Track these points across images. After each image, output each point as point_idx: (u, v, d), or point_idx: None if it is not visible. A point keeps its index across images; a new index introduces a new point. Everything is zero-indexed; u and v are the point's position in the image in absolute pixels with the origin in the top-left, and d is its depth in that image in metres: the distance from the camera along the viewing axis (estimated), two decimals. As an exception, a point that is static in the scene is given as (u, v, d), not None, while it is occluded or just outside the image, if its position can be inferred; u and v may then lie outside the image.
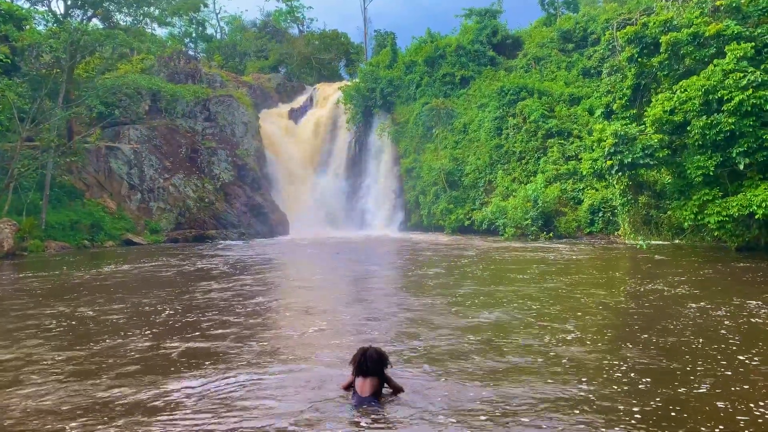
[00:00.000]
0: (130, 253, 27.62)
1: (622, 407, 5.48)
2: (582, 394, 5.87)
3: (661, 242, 25.63)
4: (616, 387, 6.07)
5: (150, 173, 38.68)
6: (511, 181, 37.91)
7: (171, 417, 5.35)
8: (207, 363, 7.24)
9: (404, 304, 11.57)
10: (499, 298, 11.96)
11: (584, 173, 30.41)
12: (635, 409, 5.44)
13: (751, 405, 5.56)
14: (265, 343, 8.30)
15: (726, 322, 9.17)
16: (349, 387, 5.84)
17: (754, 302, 10.92)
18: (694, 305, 10.71)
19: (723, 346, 7.70)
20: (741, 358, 7.15)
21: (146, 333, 9.12)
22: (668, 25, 26.59)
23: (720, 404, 5.59)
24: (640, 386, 6.08)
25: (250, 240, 37.49)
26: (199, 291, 13.78)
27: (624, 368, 6.75)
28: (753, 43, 22.18)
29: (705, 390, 5.97)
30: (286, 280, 17.05)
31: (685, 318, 9.56)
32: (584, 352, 7.53)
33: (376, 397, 5.57)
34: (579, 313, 10.15)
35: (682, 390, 6.00)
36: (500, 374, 6.59)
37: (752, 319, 9.41)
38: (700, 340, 8.04)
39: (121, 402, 5.82)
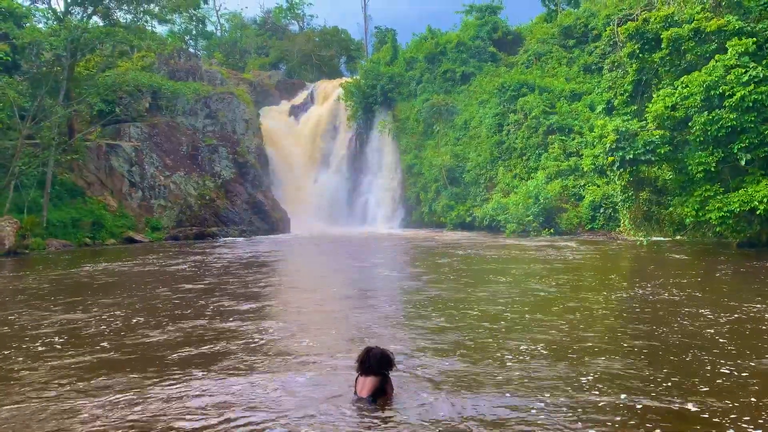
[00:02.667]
0: (126, 251, 27.63)
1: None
2: (534, 410, 5.28)
3: (662, 238, 25.60)
4: (578, 403, 5.40)
5: (151, 171, 38.67)
6: (512, 177, 37.87)
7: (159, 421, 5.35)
8: (187, 368, 7.23)
9: (360, 309, 10.83)
10: (469, 302, 10.99)
11: (585, 169, 30.41)
12: (590, 431, 4.87)
13: (740, 424, 4.96)
14: (215, 347, 8.24)
15: (720, 328, 8.43)
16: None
17: (756, 306, 10.05)
18: (688, 309, 9.90)
19: (714, 356, 6.99)
20: (734, 369, 6.44)
21: (69, 341, 8.47)
22: (669, 20, 26.53)
23: (705, 419, 5.05)
24: (601, 402, 5.42)
25: (251, 237, 37.50)
26: (168, 291, 13.45)
27: (590, 380, 6.12)
28: (754, 39, 22.13)
29: (692, 407, 5.31)
30: (257, 282, 15.83)
31: (677, 324, 8.78)
32: (550, 364, 6.78)
33: (375, 397, 5.51)
34: (556, 320, 9.24)
35: (656, 403, 5.36)
36: (448, 386, 5.98)
37: (754, 325, 8.63)
38: (692, 348, 7.35)
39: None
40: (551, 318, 9.48)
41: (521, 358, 7.08)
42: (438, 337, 8.30)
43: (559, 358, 7.08)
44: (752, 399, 5.57)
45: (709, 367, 6.58)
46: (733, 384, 6.01)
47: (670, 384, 6.00)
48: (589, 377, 6.26)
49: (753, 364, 6.72)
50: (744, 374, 6.31)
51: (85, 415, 5.39)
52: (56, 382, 6.44)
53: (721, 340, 7.78)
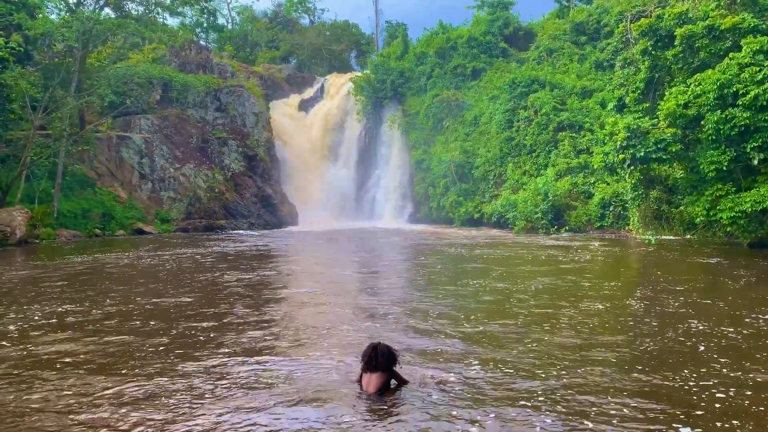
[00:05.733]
0: (134, 242, 27.79)
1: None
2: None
3: (672, 237, 25.41)
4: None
5: (161, 163, 38.85)
6: (521, 174, 37.71)
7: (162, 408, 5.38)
8: (196, 354, 7.26)
9: (309, 311, 10.22)
10: (425, 307, 9.98)
11: (595, 167, 30.21)
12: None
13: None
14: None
15: (723, 341, 7.37)
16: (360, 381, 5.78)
17: (766, 316, 8.91)
18: (691, 320, 8.67)
19: (712, 375, 6.02)
20: (734, 392, 5.55)
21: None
22: (683, 17, 26.26)
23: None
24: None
25: (259, 230, 37.61)
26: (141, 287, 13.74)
27: (541, 401, 5.30)
28: (770, 37, 21.85)
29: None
30: (244, 275, 15.97)
31: (670, 337, 7.68)
32: (491, 382, 5.89)
33: (382, 393, 5.52)
34: (518, 328, 8.18)
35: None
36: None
37: (764, 340, 7.50)
38: (686, 366, 6.37)
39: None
40: (511, 328, 8.33)
41: (463, 372, 6.21)
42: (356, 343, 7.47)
43: (506, 374, 6.09)
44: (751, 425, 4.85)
45: (702, 391, 5.60)
46: (732, 408, 5.18)
47: (649, 409, 5.11)
48: (540, 398, 5.35)
49: (758, 379, 5.90)
50: (748, 392, 5.56)
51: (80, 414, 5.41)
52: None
53: (721, 359, 6.71)
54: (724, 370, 6.26)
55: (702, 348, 7.20)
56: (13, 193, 29.09)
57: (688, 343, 7.42)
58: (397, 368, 5.72)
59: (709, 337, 7.72)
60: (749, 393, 5.56)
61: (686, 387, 5.74)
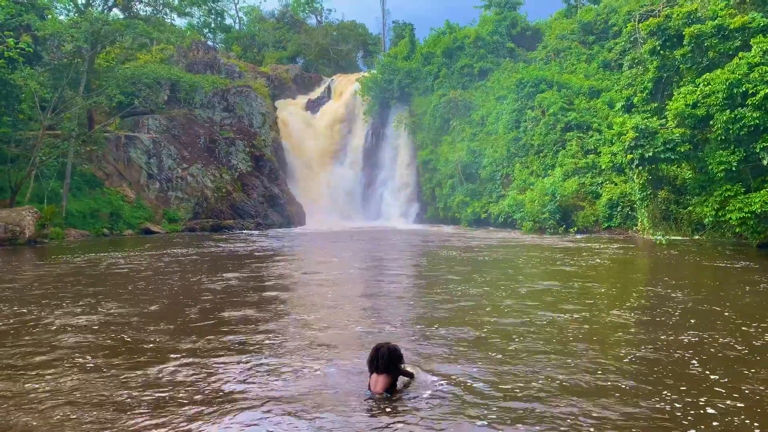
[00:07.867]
0: (133, 242, 27.91)
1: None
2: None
3: (680, 238, 25.23)
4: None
5: (168, 163, 39.01)
6: (528, 174, 37.62)
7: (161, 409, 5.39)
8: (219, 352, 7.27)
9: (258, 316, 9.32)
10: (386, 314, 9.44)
11: (603, 167, 30.11)
12: None
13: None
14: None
15: (722, 353, 6.75)
16: None
17: None
18: (691, 331, 7.88)
19: (704, 391, 5.43)
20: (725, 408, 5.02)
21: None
22: (692, 17, 26.15)
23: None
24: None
25: (266, 230, 37.70)
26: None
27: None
28: (780, 36, 21.72)
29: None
30: (229, 277, 16.62)
31: (660, 348, 7.02)
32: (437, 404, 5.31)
33: (389, 393, 5.55)
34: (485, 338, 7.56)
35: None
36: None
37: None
38: (673, 382, 5.69)
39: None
40: (509, 333, 7.84)
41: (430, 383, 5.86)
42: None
43: (477, 386, 5.71)
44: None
45: (691, 408, 5.05)
46: (724, 428, 4.69)
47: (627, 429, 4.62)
48: (506, 415, 4.92)
49: (754, 395, 5.37)
50: (740, 405, 5.15)
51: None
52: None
53: (712, 375, 6.02)
54: (717, 388, 5.61)
55: (695, 362, 6.52)
56: (23, 192, 29.30)
57: (677, 354, 6.82)
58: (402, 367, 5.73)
59: (705, 349, 7.06)
60: (741, 406, 5.13)
61: (672, 401, 5.26)
